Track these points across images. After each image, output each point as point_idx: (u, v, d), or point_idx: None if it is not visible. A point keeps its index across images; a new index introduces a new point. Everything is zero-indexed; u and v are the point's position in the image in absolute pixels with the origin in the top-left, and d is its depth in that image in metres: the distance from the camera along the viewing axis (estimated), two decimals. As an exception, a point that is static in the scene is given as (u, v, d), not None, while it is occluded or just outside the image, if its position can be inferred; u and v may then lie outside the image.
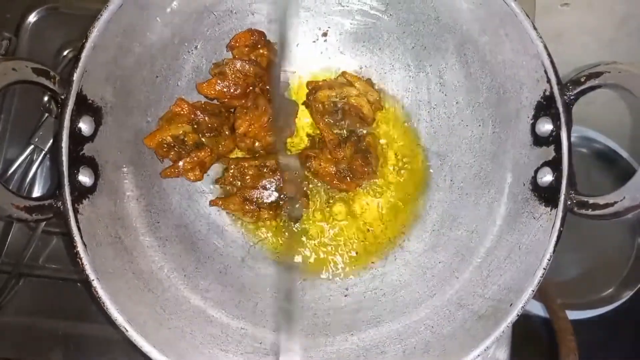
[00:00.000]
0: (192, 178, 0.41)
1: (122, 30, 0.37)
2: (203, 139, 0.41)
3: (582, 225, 0.79)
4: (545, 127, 0.37)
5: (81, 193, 0.35)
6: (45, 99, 0.45)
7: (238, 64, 0.41)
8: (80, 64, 0.34)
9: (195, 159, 0.40)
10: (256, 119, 0.41)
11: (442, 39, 0.42)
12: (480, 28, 0.40)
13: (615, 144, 0.79)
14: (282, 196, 0.42)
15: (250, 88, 0.42)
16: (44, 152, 0.45)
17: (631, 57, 0.66)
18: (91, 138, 0.36)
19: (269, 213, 0.42)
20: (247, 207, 0.41)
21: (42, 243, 0.47)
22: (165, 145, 0.40)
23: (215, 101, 0.43)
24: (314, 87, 0.43)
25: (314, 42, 0.45)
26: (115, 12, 0.35)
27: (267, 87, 0.43)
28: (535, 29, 0.37)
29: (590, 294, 0.79)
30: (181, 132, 0.40)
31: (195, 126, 0.41)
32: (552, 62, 0.37)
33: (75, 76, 0.34)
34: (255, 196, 0.42)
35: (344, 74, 0.44)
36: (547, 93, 0.37)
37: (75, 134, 0.34)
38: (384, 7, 0.43)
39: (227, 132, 0.42)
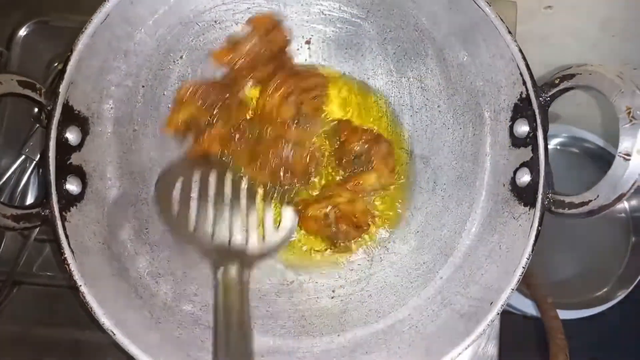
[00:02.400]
0: (216, 152, 0.43)
1: (106, 42, 0.38)
2: (214, 114, 0.42)
3: (576, 225, 0.80)
4: (522, 128, 0.38)
5: (69, 201, 0.35)
6: (36, 110, 0.46)
7: (250, 42, 0.42)
8: (66, 75, 0.35)
9: (210, 134, 0.42)
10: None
11: (422, 44, 0.43)
12: (458, 33, 0.41)
13: (606, 143, 0.80)
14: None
15: (259, 66, 0.43)
16: (34, 162, 0.46)
17: (615, 58, 0.67)
18: (78, 147, 0.37)
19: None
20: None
21: (35, 251, 0.48)
22: (183, 126, 0.42)
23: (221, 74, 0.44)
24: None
25: (298, 49, 0.46)
26: (100, 25, 0.36)
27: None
28: (510, 32, 0.38)
29: (584, 294, 0.79)
30: (191, 113, 0.42)
31: (203, 105, 0.42)
32: (527, 65, 0.37)
33: (61, 88, 0.35)
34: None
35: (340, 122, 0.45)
36: (524, 95, 0.38)
37: (62, 143, 0.35)
38: (365, 14, 0.44)
39: (235, 104, 0.43)
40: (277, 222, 0.43)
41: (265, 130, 0.43)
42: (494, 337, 0.48)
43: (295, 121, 0.43)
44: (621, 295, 0.78)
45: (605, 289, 0.80)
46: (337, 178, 0.45)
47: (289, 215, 0.43)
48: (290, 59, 0.45)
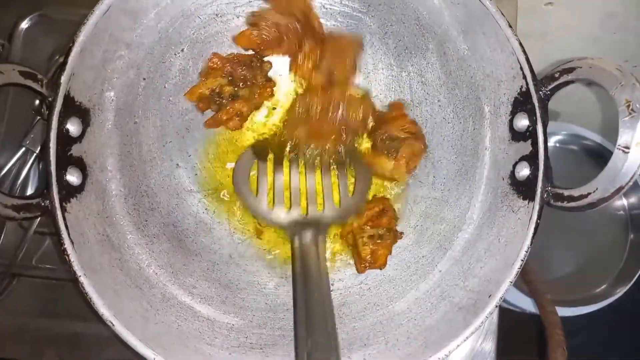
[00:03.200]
0: (231, 128, 0.44)
1: (108, 34, 0.38)
2: (238, 90, 0.43)
3: (574, 222, 0.80)
4: (522, 122, 0.38)
5: (69, 192, 0.36)
6: (37, 102, 0.46)
7: (272, 17, 0.42)
8: (68, 67, 0.35)
9: (231, 110, 0.42)
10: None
11: (422, 38, 0.43)
12: (458, 27, 0.41)
13: (606, 141, 0.80)
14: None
15: (285, 38, 0.43)
16: (35, 154, 0.46)
17: (615, 54, 0.67)
18: (79, 139, 0.37)
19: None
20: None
21: (34, 244, 0.48)
22: (205, 99, 0.43)
23: (249, 52, 0.44)
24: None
25: (300, 43, 0.46)
26: (102, 16, 0.36)
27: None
28: (510, 26, 0.38)
29: (583, 291, 0.79)
30: (217, 85, 0.42)
31: (230, 78, 0.43)
32: (527, 58, 0.38)
33: (63, 79, 0.35)
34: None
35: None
36: (523, 89, 0.38)
37: (63, 135, 0.35)
38: (366, 8, 0.44)
39: (261, 81, 0.44)
40: (351, 188, 0.45)
41: (313, 102, 0.43)
42: (492, 333, 0.48)
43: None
44: (620, 292, 0.77)
45: (603, 286, 0.80)
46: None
47: (362, 179, 0.45)
48: (317, 23, 0.43)
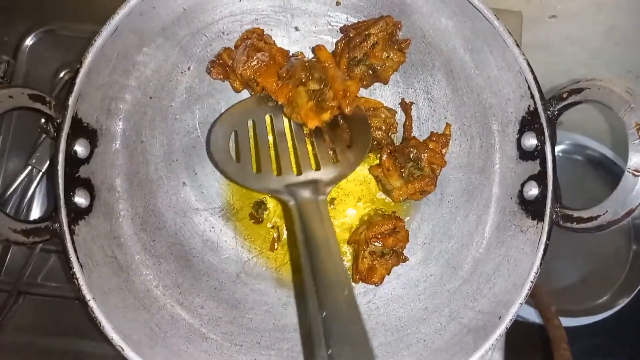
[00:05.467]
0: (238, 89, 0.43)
1: (115, 54, 0.38)
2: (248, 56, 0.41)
3: (577, 233, 0.80)
4: (530, 141, 0.38)
5: (77, 214, 0.35)
6: (42, 120, 0.46)
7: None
8: (75, 88, 0.35)
9: (240, 71, 0.41)
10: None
11: (429, 56, 0.43)
12: (465, 45, 0.41)
13: (609, 151, 0.80)
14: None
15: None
16: (41, 173, 0.46)
17: (618, 66, 0.67)
18: (87, 160, 0.37)
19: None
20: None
21: (40, 261, 0.48)
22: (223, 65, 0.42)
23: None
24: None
25: (305, 60, 0.46)
26: (110, 37, 0.36)
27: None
28: (518, 46, 0.38)
29: (586, 301, 0.79)
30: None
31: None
32: (535, 78, 0.38)
33: (71, 101, 0.35)
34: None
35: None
36: (531, 108, 0.38)
37: (71, 157, 0.35)
38: (372, 26, 0.44)
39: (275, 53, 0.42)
40: (350, 145, 0.42)
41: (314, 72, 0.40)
42: (500, 346, 0.48)
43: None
44: (623, 302, 0.78)
45: (607, 297, 0.80)
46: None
47: (360, 131, 0.42)
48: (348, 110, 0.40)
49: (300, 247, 0.33)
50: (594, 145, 0.80)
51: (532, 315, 0.73)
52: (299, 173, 0.40)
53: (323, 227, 0.34)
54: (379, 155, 0.44)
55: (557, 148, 0.81)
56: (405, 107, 0.45)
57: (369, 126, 0.43)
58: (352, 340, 0.26)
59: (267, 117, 0.42)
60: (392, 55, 0.42)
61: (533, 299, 0.68)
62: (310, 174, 0.40)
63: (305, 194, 0.37)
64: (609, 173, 0.77)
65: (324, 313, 0.27)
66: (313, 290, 0.29)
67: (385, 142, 0.44)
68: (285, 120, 0.42)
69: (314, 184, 0.39)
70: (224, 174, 0.41)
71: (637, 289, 0.78)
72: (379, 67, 0.42)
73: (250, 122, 0.42)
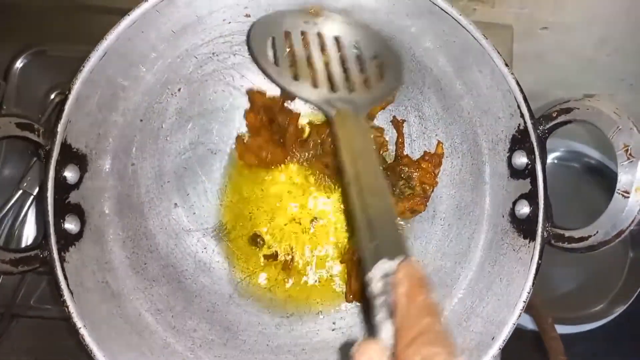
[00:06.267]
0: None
1: (104, 79, 0.37)
2: None
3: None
4: (521, 160, 0.38)
5: (68, 241, 0.35)
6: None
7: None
8: (64, 115, 0.35)
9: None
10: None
11: (419, 74, 0.43)
12: (455, 65, 0.41)
13: (605, 158, 0.80)
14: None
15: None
16: (32, 196, 0.46)
17: (611, 76, 0.67)
18: (77, 185, 0.37)
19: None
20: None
21: (33, 284, 0.48)
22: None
23: None
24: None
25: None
26: (98, 62, 0.36)
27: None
28: (507, 65, 0.38)
29: (583, 309, 0.79)
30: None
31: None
32: (524, 97, 0.38)
33: (59, 127, 0.35)
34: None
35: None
36: (521, 127, 0.38)
37: (60, 183, 0.35)
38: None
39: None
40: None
41: None
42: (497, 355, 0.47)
43: None
44: (619, 310, 0.77)
45: (604, 304, 0.80)
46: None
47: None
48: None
49: (342, 157, 0.33)
50: (589, 152, 0.80)
51: (528, 323, 0.73)
52: (335, 91, 0.40)
53: (365, 139, 0.35)
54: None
55: (553, 155, 0.81)
56: (397, 124, 0.46)
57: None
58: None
59: (306, 31, 0.41)
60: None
61: (530, 310, 0.68)
62: (344, 94, 0.40)
63: (346, 106, 0.38)
64: (606, 180, 0.77)
65: (376, 242, 0.28)
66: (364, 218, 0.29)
67: None
68: (323, 38, 0.41)
69: (351, 102, 0.39)
70: (268, 76, 0.40)
71: (634, 296, 0.77)
72: None
73: (286, 32, 0.41)
